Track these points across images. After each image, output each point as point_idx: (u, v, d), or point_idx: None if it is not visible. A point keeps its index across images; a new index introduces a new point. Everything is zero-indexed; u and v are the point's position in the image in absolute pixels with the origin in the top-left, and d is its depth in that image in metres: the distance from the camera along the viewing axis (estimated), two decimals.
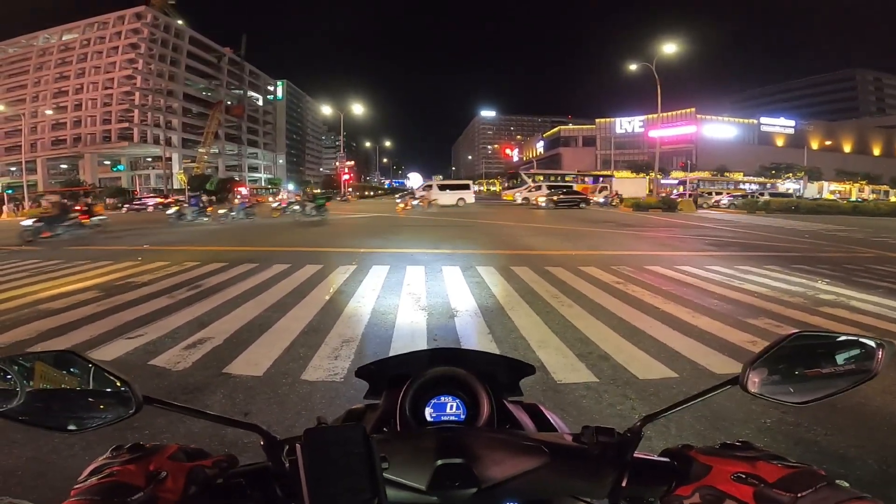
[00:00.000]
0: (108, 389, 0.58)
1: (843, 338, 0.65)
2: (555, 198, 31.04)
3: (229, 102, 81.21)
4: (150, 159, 69.65)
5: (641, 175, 51.26)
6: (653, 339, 4.46)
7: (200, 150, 69.75)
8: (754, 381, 0.63)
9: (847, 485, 0.49)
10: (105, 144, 67.30)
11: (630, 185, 43.01)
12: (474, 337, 4.57)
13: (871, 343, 0.62)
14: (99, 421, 0.58)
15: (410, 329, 4.78)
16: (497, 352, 4.07)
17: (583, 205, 31.04)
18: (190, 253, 10.18)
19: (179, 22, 74.32)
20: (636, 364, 3.83)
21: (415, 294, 6.19)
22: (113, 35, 69.71)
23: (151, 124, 68.97)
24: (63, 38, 72.04)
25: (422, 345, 4.23)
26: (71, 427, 0.58)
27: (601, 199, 36.61)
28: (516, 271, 7.73)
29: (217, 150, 75.72)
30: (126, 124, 67.52)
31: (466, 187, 35.68)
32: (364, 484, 0.52)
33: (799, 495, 0.49)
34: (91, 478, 0.51)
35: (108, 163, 69.32)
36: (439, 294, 6.19)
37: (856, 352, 0.63)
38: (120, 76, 68.26)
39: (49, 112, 67.01)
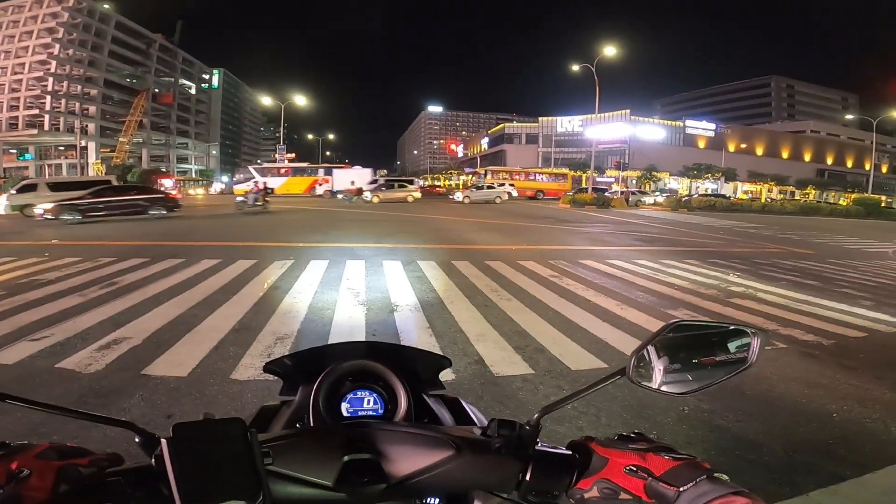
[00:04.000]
0: None
1: (720, 327, 0.66)
2: (81, 206, 15.31)
3: (157, 90, 75.76)
4: (62, 148, 63.61)
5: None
6: (585, 330, 4.65)
7: (122, 139, 64.61)
8: (640, 372, 0.64)
9: (727, 478, 0.51)
10: (10, 132, 60.75)
11: (347, 176, 40.07)
12: (414, 332, 4.56)
13: (747, 331, 0.64)
14: None
15: (349, 325, 4.68)
16: (437, 346, 4.08)
17: (155, 210, 16.62)
18: (105, 248, 9.38)
19: (105, 6, 68.24)
20: (569, 356, 3.98)
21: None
22: (28, 19, 62.89)
23: (65, 111, 62.96)
24: None
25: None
26: None
27: (240, 199, 22.22)
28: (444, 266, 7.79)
29: (141, 140, 70.52)
30: (36, 111, 61.24)
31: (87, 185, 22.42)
32: (245, 479, 0.50)
33: (681, 489, 0.51)
34: None
35: (13, 151, 62.64)
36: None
37: (734, 341, 0.65)
38: (32, 61, 61.76)
39: None
